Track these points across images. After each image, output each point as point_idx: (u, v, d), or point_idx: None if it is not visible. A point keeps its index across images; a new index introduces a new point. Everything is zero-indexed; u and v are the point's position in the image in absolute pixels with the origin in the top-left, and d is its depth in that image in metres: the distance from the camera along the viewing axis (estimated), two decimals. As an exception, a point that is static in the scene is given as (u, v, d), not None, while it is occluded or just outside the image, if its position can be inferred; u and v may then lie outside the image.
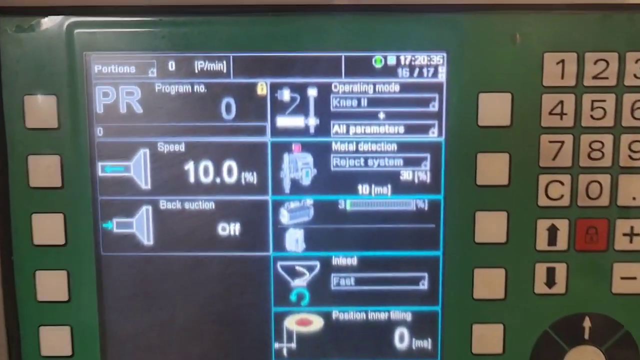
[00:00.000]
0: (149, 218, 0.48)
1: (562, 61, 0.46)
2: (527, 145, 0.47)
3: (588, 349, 0.49)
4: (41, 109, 0.47)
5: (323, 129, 0.47)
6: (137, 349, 0.49)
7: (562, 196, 0.47)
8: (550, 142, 0.47)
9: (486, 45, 0.46)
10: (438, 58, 0.47)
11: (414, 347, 0.50)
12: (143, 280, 0.49)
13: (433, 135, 0.47)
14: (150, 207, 0.48)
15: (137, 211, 0.48)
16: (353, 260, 0.49)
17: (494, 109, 0.47)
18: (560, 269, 0.48)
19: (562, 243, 0.48)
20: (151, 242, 0.49)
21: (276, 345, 0.50)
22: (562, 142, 0.47)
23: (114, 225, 0.48)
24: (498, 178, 0.47)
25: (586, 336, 0.49)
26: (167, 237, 0.49)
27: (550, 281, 0.48)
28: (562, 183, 0.47)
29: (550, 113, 0.47)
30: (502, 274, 0.48)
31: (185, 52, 0.47)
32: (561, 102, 0.46)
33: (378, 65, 0.47)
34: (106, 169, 0.48)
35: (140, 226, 0.49)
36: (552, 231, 0.48)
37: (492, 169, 0.47)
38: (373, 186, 0.48)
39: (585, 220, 0.48)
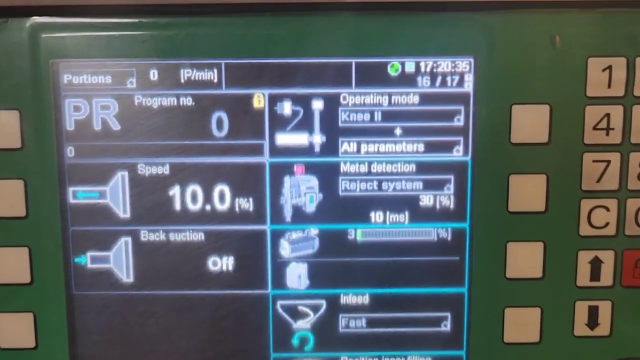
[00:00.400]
0: (128, 251, 0.42)
1: (609, 67, 0.40)
2: (568, 166, 0.41)
3: (636, 399, 0.43)
4: (1, 126, 0.40)
5: (330, 147, 0.41)
6: (115, 402, 0.43)
7: (607, 224, 0.41)
8: (595, 161, 0.41)
9: (520, 49, 0.40)
10: (464, 64, 0.40)
11: (434, 397, 0.44)
12: (121, 324, 0.43)
13: (458, 154, 0.41)
14: (129, 239, 0.42)
15: (115, 243, 0.42)
16: (364, 299, 0.43)
17: (530, 123, 0.40)
18: (604, 308, 0.42)
19: (606, 278, 0.42)
20: (131, 279, 0.42)
21: (276, 396, 0.43)
22: (608, 162, 0.41)
23: (88, 260, 0.42)
24: (533, 203, 0.41)
25: (634, 384, 0.43)
26: (149, 274, 0.42)
27: (593, 322, 0.42)
28: (607, 209, 0.41)
29: (595, 128, 0.40)
30: (537, 313, 0.42)
31: (170, 58, 0.40)
32: (607, 115, 0.40)
33: (394, 73, 0.40)
34: (78, 194, 0.41)
35: (119, 261, 0.42)
36: (596, 264, 0.42)
37: (527, 193, 0.41)
38: (388, 213, 0.42)
39: (634, 252, 0.42)
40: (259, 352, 0.43)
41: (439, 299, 0.43)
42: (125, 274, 0.42)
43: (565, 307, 0.42)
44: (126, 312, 0.42)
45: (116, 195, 0.42)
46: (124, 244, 0.42)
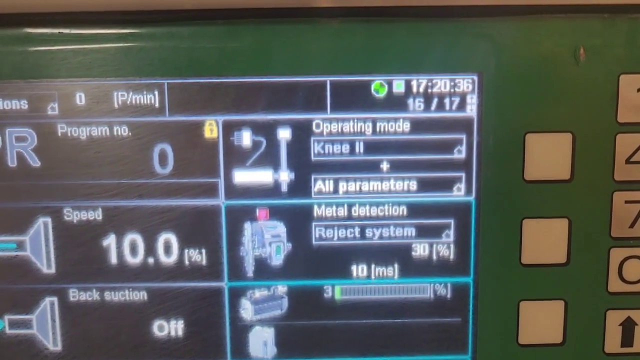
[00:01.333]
0: (54, 314, 0.35)
1: (646, 87, 0.33)
2: (594, 207, 0.34)
3: None
4: None
5: (300, 186, 0.34)
6: None
7: (642, 278, 0.34)
8: (628, 202, 0.34)
9: (536, 64, 0.33)
10: (466, 83, 0.33)
11: None
12: (48, 403, 0.35)
13: (459, 194, 0.34)
14: (55, 299, 0.34)
15: (38, 305, 0.35)
16: (346, 371, 0.35)
17: (548, 156, 0.33)
18: (639, 379, 0.35)
19: (641, 343, 0.35)
20: (59, 348, 0.35)
21: None
22: (645, 203, 0.33)
23: (6, 325, 0.35)
24: (552, 254, 0.34)
25: None
26: (81, 341, 0.35)
27: (625, 396, 0.35)
28: (643, 260, 0.34)
29: (628, 161, 0.33)
30: (556, 388, 0.35)
31: (100, 78, 0.32)
32: (644, 145, 0.33)
33: (380, 94, 0.33)
34: (-9, 246, 0.34)
35: (43, 326, 0.35)
36: (628, 327, 0.34)
37: (544, 241, 0.34)
38: (373, 266, 0.34)
39: (676, 312, 0.34)
40: None
41: (436, 369, 0.35)
42: (52, 342, 0.35)
43: (591, 378, 0.35)
44: (53, 389, 0.35)
45: (38, 246, 0.34)
46: (49, 305, 0.34)
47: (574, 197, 0.33)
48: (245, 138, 0.33)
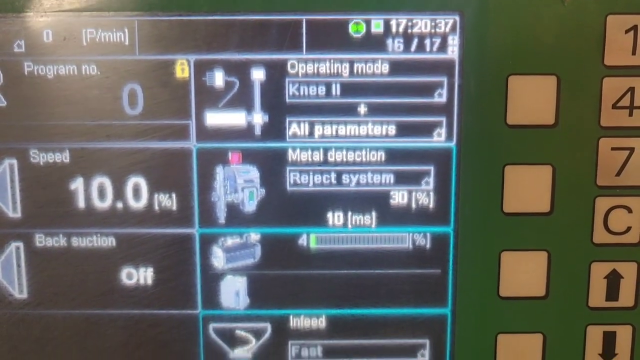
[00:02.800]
0: (20, 260, 0.34)
1: (634, 28, 0.32)
2: (579, 154, 0.33)
3: None
4: None
5: (274, 129, 0.33)
6: None
7: (628, 229, 0.33)
8: (614, 149, 0.33)
9: (519, 4, 0.32)
10: (448, 23, 0.32)
11: None
12: (13, 352, 0.34)
13: (439, 139, 0.33)
14: (21, 245, 0.34)
15: (3, 250, 0.34)
16: (320, 322, 0.34)
17: (531, 99, 0.32)
18: (624, 335, 0.34)
19: (626, 297, 0.34)
20: (24, 295, 0.34)
21: None
22: (632, 150, 0.33)
23: (-30, 271, 0.34)
24: (535, 203, 0.33)
25: None
26: (47, 288, 0.34)
27: (609, 352, 0.34)
28: (629, 210, 0.33)
29: (615, 106, 0.32)
30: (538, 341, 0.34)
31: (67, 14, 0.32)
32: (631, 89, 0.32)
33: (357, 34, 0.32)
34: (-46, 188, 0.33)
35: (8, 272, 0.34)
36: (613, 280, 0.34)
37: (527, 189, 0.33)
38: (350, 214, 0.33)
39: (663, 265, 0.33)
40: (187, 388, 0.35)
41: (414, 323, 0.34)
42: (17, 289, 0.34)
43: (574, 333, 0.34)
44: (18, 336, 0.34)
45: (3, 189, 0.33)
46: (15, 250, 0.34)
47: (558, 143, 0.32)
48: (218, 78, 0.32)
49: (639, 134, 0.32)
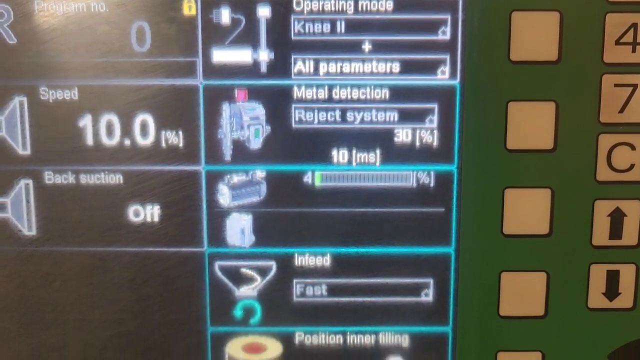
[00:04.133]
0: (29, 197, 0.34)
1: (637, -37, 0.32)
2: (582, 91, 0.33)
3: (665, 389, 0.35)
4: None
5: (280, 66, 0.33)
6: (13, 385, 0.35)
7: (632, 166, 0.34)
8: (617, 85, 0.33)
9: (523, -62, 0.32)
10: (451, -41, 0.32)
11: (413, 384, 0.36)
12: (22, 287, 0.35)
13: (443, 77, 0.33)
14: (30, 182, 0.34)
15: (13, 188, 0.34)
16: (325, 260, 0.35)
17: (534, 35, 0.32)
18: (627, 274, 0.34)
19: (630, 236, 0.34)
20: (33, 232, 0.35)
21: (215, 380, 0.36)
22: (635, 86, 0.33)
23: (-20, 208, 0.35)
24: (538, 140, 0.33)
25: (662, 370, 0.35)
26: (56, 225, 0.35)
27: (612, 291, 0.34)
28: (632, 147, 0.33)
29: (618, 42, 0.32)
30: (542, 280, 0.34)
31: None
32: (635, 25, 0.32)
33: (361, -28, 0.32)
34: (-35, 125, 0.34)
35: (18, 209, 0.35)
36: (617, 218, 0.34)
37: (531, 125, 0.33)
38: (354, 151, 0.34)
39: (666, 203, 0.34)
40: (192, 325, 0.35)
41: (418, 262, 0.35)
42: (27, 226, 0.35)
43: (578, 272, 0.34)
44: (27, 274, 0.35)
45: (13, 126, 0.34)
46: (24, 187, 0.34)
47: (561, 79, 0.33)
48: (224, 15, 0.33)
49: (642, 71, 0.33)
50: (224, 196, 0.34)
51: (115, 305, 0.35)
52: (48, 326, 0.35)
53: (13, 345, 0.35)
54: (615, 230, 0.34)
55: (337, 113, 0.34)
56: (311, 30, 0.33)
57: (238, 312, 0.35)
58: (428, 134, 0.34)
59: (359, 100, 0.34)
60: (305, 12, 0.33)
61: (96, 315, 0.35)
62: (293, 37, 0.33)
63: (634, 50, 0.33)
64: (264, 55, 0.33)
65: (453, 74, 0.33)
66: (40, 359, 0.35)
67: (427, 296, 0.35)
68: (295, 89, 0.34)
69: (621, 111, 0.33)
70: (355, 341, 0.36)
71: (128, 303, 0.35)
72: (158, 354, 0.35)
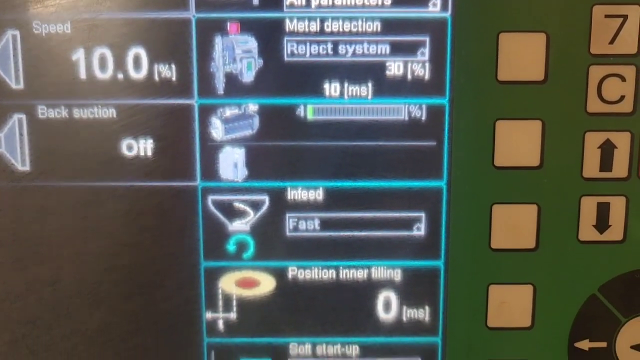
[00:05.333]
0: (22, 132, 0.34)
1: None
2: (572, 22, 0.33)
3: (654, 321, 0.35)
4: None
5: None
6: (8, 318, 0.35)
7: (622, 98, 0.34)
8: (608, 16, 0.33)
9: None
10: None
11: (404, 319, 0.36)
12: (15, 222, 0.35)
13: (435, 9, 0.33)
14: (24, 116, 0.34)
15: (6, 122, 0.35)
16: (317, 194, 0.35)
17: (525, -34, 0.33)
18: (617, 206, 0.35)
19: (620, 167, 0.34)
20: (27, 167, 0.35)
21: (208, 315, 0.36)
22: (625, 17, 0.33)
23: (-26, 143, 0.35)
24: (529, 71, 0.33)
25: (651, 303, 0.36)
26: (49, 160, 0.35)
27: (603, 223, 0.35)
28: (623, 78, 0.33)
29: (608, -29, 0.32)
30: (532, 212, 0.34)
31: None
32: (625, -45, 0.32)
33: None
34: (-43, 60, 0.34)
35: (11, 144, 0.35)
36: (607, 150, 0.34)
37: (521, 56, 0.33)
38: (346, 84, 0.34)
39: (657, 134, 0.34)
40: (186, 259, 0.35)
41: (410, 195, 0.35)
42: (20, 161, 0.35)
43: (568, 204, 0.35)
44: (21, 208, 0.35)
45: (6, 60, 0.34)
46: (17, 122, 0.34)
47: (551, 9, 0.33)
48: (216, -54, 0.33)
49: (633, 1, 0.33)
50: (217, 130, 0.35)
51: (109, 239, 0.35)
52: (42, 260, 0.35)
53: (7, 279, 0.35)
54: (606, 162, 0.34)
55: (329, 46, 0.34)
56: (303, -38, 0.33)
57: (231, 247, 0.35)
58: (419, 66, 0.34)
59: (350, 33, 0.34)
60: (297, -56, 0.33)
61: (90, 249, 0.35)
62: (285, -31, 0.33)
63: (624, -20, 0.33)
64: (256, -12, 0.34)
65: (444, 7, 0.33)
66: (35, 293, 0.35)
67: (419, 230, 0.35)
68: (287, 21, 0.34)
69: (611, 42, 0.33)
70: (348, 275, 0.36)
71: (122, 237, 0.35)
72: (152, 288, 0.35)
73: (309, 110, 0.34)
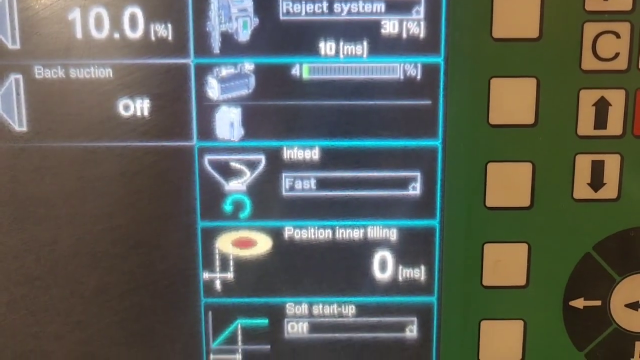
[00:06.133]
0: (19, 92, 0.34)
1: None
2: (568, -21, 0.33)
3: (648, 279, 0.36)
4: None
5: (267, -43, 0.33)
6: (6, 278, 0.35)
7: (617, 55, 0.34)
8: (602, -30, 0.33)
9: None
10: None
11: (399, 279, 0.36)
12: (13, 182, 0.35)
13: (429, -34, 0.33)
14: (20, 77, 0.34)
15: (3, 83, 0.34)
16: (313, 153, 0.35)
17: None
18: (612, 164, 0.35)
19: (615, 125, 0.34)
20: (24, 128, 0.35)
21: (205, 275, 0.36)
22: (619, -26, 0.33)
23: (-30, 105, 0.35)
24: (524, 28, 0.33)
25: (645, 261, 0.36)
26: (46, 120, 0.35)
27: (597, 181, 0.35)
28: (617, 35, 0.33)
29: None
30: (527, 170, 0.34)
31: None
32: None
33: None
34: (-46, 20, 0.34)
35: (8, 104, 0.35)
36: (602, 107, 0.34)
37: (516, 13, 0.33)
38: (341, 43, 0.34)
39: (651, 91, 0.34)
40: (182, 219, 0.35)
41: (406, 154, 0.35)
42: (17, 122, 0.35)
43: (563, 162, 0.35)
44: (18, 169, 0.35)
45: (2, 20, 0.34)
46: (14, 82, 0.34)
47: (546, -33, 0.33)
48: None
49: (627, -45, 0.33)
50: (213, 89, 0.34)
51: (106, 198, 0.35)
52: (40, 221, 0.35)
53: (5, 240, 0.35)
54: (600, 120, 0.34)
55: (325, 4, 0.34)
56: None
57: (228, 207, 0.36)
58: (415, 25, 0.34)
59: (346, -9, 0.34)
60: None
61: (87, 209, 0.35)
62: None
63: None
64: (251, -56, 0.33)
65: (439, -36, 0.33)
66: (33, 254, 0.35)
67: (415, 190, 0.35)
68: (283, -20, 0.34)
69: (606, -2, 0.33)
70: (344, 235, 0.36)
71: (119, 197, 0.35)
72: (149, 248, 0.35)
73: (304, 69, 0.34)
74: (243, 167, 0.35)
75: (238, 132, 0.35)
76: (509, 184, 0.35)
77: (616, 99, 0.34)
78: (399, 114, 0.35)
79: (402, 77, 0.34)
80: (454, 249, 0.36)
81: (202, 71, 0.34)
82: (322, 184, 0.35)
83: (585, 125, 0.34)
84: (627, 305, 0.36)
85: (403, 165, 0.35)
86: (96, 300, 0.36)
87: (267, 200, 0.36)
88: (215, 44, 0.34)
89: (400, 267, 0.36)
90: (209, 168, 0.35)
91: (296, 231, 0.36)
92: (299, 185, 0.35)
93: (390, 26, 0.34)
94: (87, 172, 0.35)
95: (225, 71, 0.34)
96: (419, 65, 0.34)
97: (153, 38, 0.34)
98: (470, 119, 0.34)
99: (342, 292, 0.36)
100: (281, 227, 0.36)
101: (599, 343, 0.36)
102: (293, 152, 0.35)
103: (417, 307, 0.37)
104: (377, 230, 0.36)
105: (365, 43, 0.34)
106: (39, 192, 0.35)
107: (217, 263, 0.36)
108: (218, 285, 0.36)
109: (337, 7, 0.34)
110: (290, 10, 0.34)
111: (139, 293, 0.36)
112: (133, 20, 0.34)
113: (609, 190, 0.35)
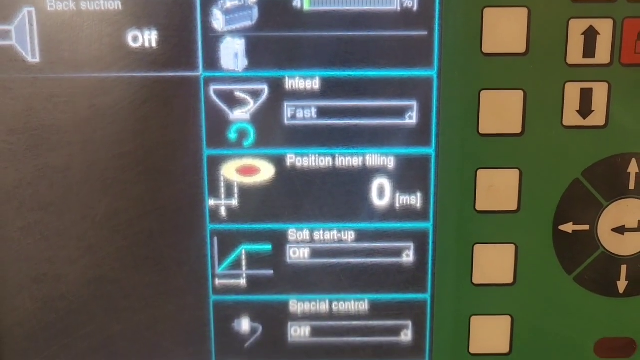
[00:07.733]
0: (32, 24, 0.35)
1: None
2: None
3: (633, 203, 0.36)
4: None
5: None
6: (21, 205, 0.37)
7: (605, -15, 0.34)
8: None
9: None
10: None
11: (397, 205, 0.37)
12: (26, 113, 0.36)
13: None
14: (33, 9, 0.35)
15: (16, 15, 0.35)
16: (314, 83, 0.36)
17: None
18: (600, 91, 0.36)
19: (603, 54, 0.35)
20: (37, 59, 0.36)
21: (211, 202, 0.37)
22: None
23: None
24: (516, -41, 0.34)
25: (631, 186, 0.37)
26: (58, 52, 0.36)
27: (585, 109, 0.36)
28: (605, -34, 0.34)
29: None
30: (519, 99, 0.36)
31: None
32: None
33: None
34: (-30, -46, 0.35)
35: (22, 36, 0.36)
36: (590, 36, 0.35)
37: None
38: (341, -24, 0.35)
39: (638, 20, 0.34)
40: (189, 146, 0.36)
41: (403, 84, 0.36)
42: (30, 53, 0.36)
43: (553, 90, 0.36)
44: (32, 99, 0.36)
45: (15, -45, 0.35)
46: (27, 15, 0.35)
47: None
48: None
49: None
50: (218, 21, 0.35)
51: (116, 126, 0.36)
52: (53, 147, 0.36)
53: (20, 167, 0.37)
54: (589, 48, 0.35)
55: (325, -60, 0.35)
56: None
57: (232, 135, 0.37)
58: (411, -38, 0.35)
59: None
60: None
61: (98, 136, 0.36)
62: None
63: None
64: None
65: None
66: (46, 179, 0.37)
67: (411, 119, 0.36)
68: None
69: None
70: (344, 163, 0.37)
71: (128, 124, 0.36)
72: (158, 174, 0.37)
73: (305, 0, 0.35)
74: (247, 97, 0.36)
75: (242, 62, 0.36)
76: (501, 111, 0.36)
77: (605, 27, 0.35)
78: (396, 45, 0.36)
79: (398, 8, 0.35)
80: (448, 176, 0.37)
81: (208, 3, 0.35)
82: (322, 112, 0.36)
83: (575, 54, 0.35)
84: (613, 230, 0.37)
85: (400, 95, 0.36)
86: (107, 224, 0.37)
87: (269, 129, 0.37)
88: (220, -24, 0.35)
89: (398, 194, 0.37)
90: (214, 97, 0.36)
91: (298, 159, 0.37)
92: (301, 114, 0.37)
93: (387, -41, 0.35)
94: (97, 101, 0.36)
95: (229, 3, 0.35)
96: (416, -3, 0.36)
97: (160, -30, 0.35)
98: (464, 48, 0.35)
99: (342, 218, 0.38)
100: (283, 155, 0.37)
101: (587, 266, 0.38)
102: (295, 82, 0.36)
103: (413, 233, 0.38)
104: (375, 158, 0.37)
105: (363, -25, 0.35)
106: (52, 121, 0.36)
107: (222, 190, 0.37)
108: (223, 211, 0.38)
109: (336, -60, 0.35)
110: (292, -57, 0.35)
111: (148, 219, 0.37)
112: (141, -47, 0.35)
113: (597, 118, 0.36)
